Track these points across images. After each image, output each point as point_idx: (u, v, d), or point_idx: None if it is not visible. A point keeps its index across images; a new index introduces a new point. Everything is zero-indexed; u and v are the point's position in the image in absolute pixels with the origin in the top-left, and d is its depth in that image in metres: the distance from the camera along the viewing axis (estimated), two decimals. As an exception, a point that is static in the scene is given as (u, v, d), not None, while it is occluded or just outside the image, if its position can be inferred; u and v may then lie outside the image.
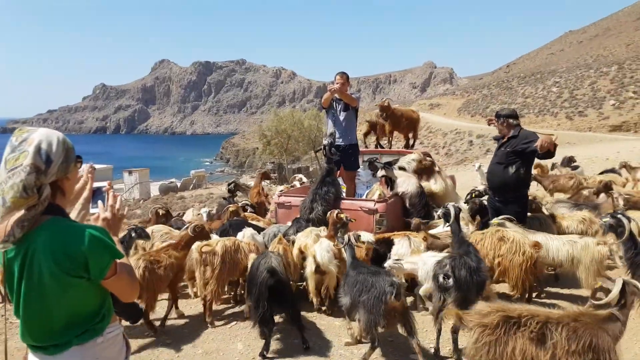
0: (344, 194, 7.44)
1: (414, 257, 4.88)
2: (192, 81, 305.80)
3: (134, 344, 4.70)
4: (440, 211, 5.18)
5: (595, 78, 52.79)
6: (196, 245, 5.12)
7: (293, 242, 5.55)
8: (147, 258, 4.83)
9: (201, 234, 5.32)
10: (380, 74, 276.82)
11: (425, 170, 7.50)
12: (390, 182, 6.98)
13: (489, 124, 6.35)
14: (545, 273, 5.75)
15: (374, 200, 6.53)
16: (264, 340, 4.38)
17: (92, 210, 2.30)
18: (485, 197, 6.62)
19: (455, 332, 4.05)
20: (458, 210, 4.79)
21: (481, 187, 8.26)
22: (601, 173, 11.58)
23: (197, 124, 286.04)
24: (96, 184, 2.37)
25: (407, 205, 6.69)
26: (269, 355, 4.34)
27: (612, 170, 11.57)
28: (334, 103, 7.30)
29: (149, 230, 6.65)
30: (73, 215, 2.22)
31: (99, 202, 2.12)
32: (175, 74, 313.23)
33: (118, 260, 1.89)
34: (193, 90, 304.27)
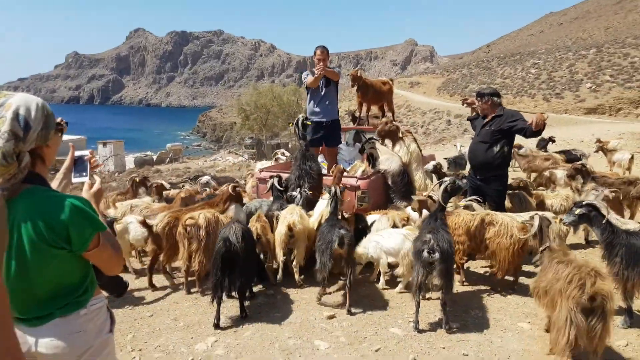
0: (325, 171, 7.44)
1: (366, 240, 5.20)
2: (168, 51, 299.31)
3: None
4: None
5: (573, 60, 53.42)
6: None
7: (277, 218, 5.57)
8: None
9: (238, 194, 5.80)
10: (361, 50, 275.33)
11: (389, 134, 7.24)
12: (372, 159, 6.99)
13: (463, 104, 6.39)
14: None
15: (356, 177, 6.54)
16: (248, 313, 4.42)
17: (73, 180, 2.24)
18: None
19: (445, 304, 4.18)
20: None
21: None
22: (560, 152, 11.83)
23: (172, 96, 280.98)
24: (77, 153, 2.29)
25: (390, 183, 6.72)
26: (246, 325, 4.38)
27: (570, 152, 11.83)
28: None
29: (127, 203, 6.59)
30: (54, 185, 2.16)
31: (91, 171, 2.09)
32: (151, 44, 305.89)
33: (101, 233, 1.86)
34: (169, 61, 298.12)
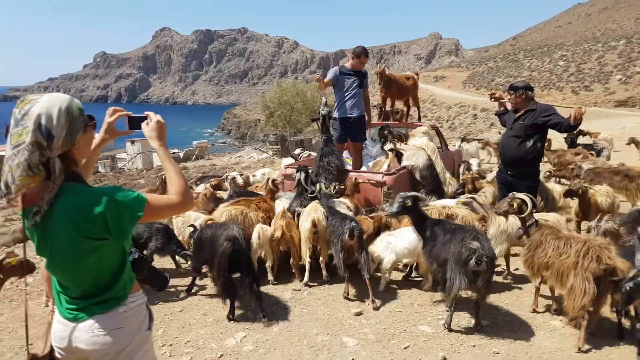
0: (350, 166, 7.43)
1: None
2: (194, 50, 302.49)
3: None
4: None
5: (602, 52, 52.05)
6: (202, 220, 5.16)
7: (298, 215, 5.60)
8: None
9: (277, 187, 6.34)
10: (385, 44, 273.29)
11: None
12: (398, 154, 6.94)
13: (491, 98, 6.24)
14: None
15: (382, 173, 6.50)
16: (276, 309, 4.43)
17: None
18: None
19: (479, 307, 4.16)
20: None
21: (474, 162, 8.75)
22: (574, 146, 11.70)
23: (198, 94, 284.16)
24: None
25: (418, 178, 6.65)
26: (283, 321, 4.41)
27: (591, 145, 11.67)
28: (345, 76, 7.22)
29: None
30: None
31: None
32: (177, 43, 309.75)
33: (149, 199, 1.85)
34: (194, 60, 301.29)
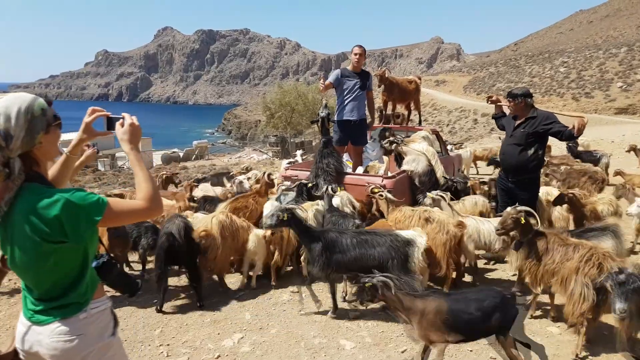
0: (350, 169, 7.43)
1: None
2: (195, 50, 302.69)
3: (142, 312, 4.79)
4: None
5: (603, 59, 52.15)
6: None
7: None
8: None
9: (272, 181, 6.76)
10: (387, 47, 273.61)
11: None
12: (399, 158, 6.95)
13: (488, 101, 6.25)
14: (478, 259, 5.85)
15: (382, 176, 6.51)
16: (274, 311, 4.46)
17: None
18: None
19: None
20: None
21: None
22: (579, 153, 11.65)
23: (199, 94, 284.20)
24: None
25: (417, 183, 6.67)
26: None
27: (591, 153, 11.60)
28: (346, 79, 7.25)
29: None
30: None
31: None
32: (178, 42, 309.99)
33: (110, 204, 1.81)
34: (196, 59, 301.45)
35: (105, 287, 2.09)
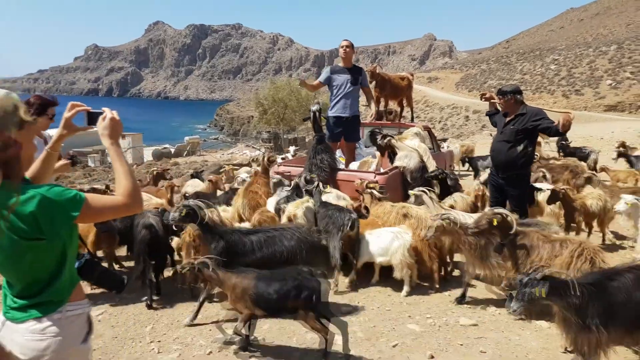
0: (343, 165, 7.45)
1: None
2: (187, 44, 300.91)
3: (132, 309, 4.79)
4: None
5: (594, 57, 52.48)
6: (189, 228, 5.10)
7: (283, 211, 5.69)
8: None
9: (273, 161, 6.95)
10: (380, 44, 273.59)
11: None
12: (391, 155, 6.97)
13: (482, 99, 6.29)
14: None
15: (374, 172, 6.53)
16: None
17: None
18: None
19: None
20: None
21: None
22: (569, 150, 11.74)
23: (190, 89, 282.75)
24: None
25: (409, 179, 6.70)
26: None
27: (580, 149, 11.69)
28: (337, 75, 7.27)
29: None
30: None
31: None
32: (170, 37, 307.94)
33: (88, 199, 1.80)
34: (187, 54, 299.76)
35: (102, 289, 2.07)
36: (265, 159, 6.80)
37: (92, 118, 2.10)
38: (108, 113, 2.04)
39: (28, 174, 2.04)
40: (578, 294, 2.99)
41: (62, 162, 2.64)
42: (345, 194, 6.22)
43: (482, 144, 17.33)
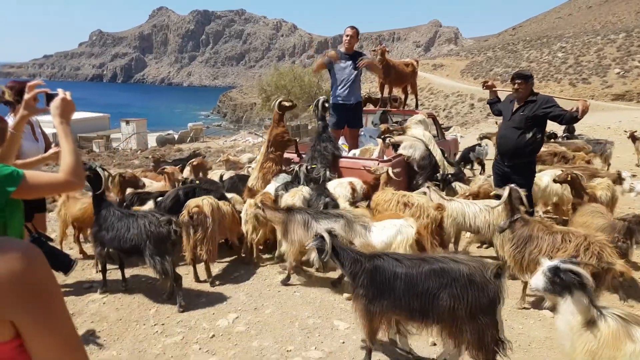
0: (346, 153, 7.42)
1: None
2: (190, 30, 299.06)
3: (136, 292, 4.80)
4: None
5: (602, 45, 51.92)
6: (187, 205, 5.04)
7: (281, 197, 5.74)
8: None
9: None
10: (384, 30, 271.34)
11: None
12: (395, 144, 6.95)
13: (484, 87, 6.19)
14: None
15: (377, 160, 6.51)
16: (268, 292, 4.48)
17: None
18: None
19: None
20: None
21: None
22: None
23: (194, 76, 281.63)
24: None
25: (416, 168, 6.68)
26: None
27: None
28: (340, 61, 7.23)
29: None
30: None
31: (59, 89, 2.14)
32: (173, 23, 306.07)
33: (26, 176, 1.84)
34: (191, 40, 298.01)
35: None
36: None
37: (51, 99, 2.19)
38: (60, 93, 2.12)
39: None
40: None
41: (54, 149, 2.68)
42: (355, 178, 6.21)
43: (472, 135, 17.15)
